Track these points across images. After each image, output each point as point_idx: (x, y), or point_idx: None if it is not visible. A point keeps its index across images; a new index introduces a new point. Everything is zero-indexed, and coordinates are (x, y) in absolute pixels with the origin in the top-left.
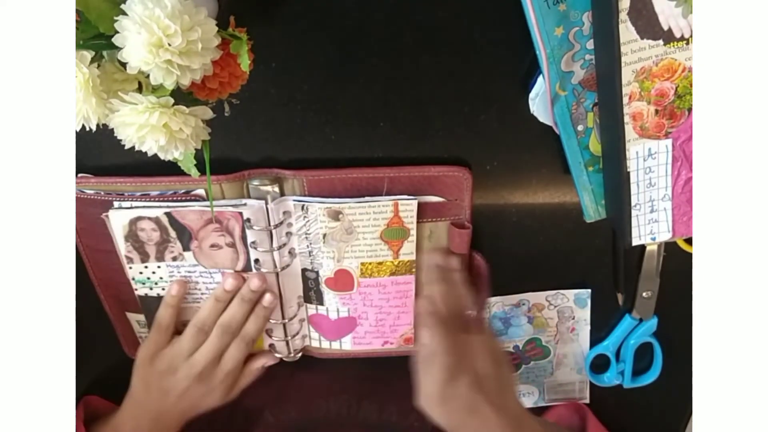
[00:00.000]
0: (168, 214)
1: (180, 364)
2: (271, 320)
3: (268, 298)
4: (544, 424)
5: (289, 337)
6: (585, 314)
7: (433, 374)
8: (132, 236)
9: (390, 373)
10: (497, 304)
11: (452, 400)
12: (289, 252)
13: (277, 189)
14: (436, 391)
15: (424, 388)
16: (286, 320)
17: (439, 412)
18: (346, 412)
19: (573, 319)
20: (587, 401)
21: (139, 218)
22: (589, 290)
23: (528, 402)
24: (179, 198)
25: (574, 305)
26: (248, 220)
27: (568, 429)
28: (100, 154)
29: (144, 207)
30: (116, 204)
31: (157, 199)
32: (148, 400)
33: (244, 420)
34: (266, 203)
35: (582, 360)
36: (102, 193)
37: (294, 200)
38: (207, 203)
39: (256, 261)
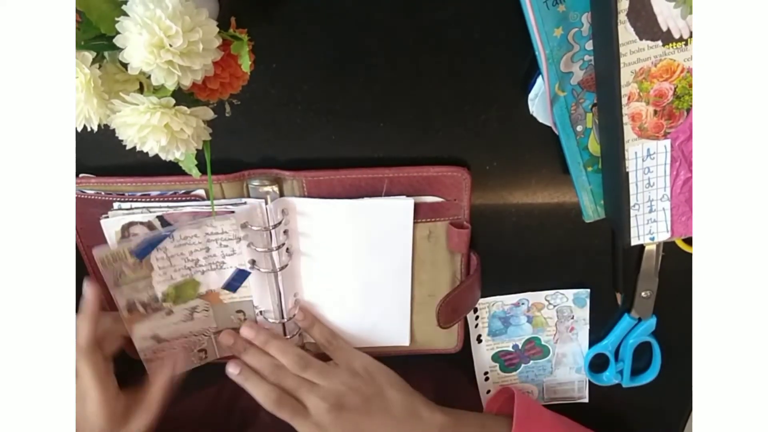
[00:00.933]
0: (160, 218)
1: None
2: (270, 320)
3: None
4: (458, 414)
5: (288, 336)
6: (584, 314)
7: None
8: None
9: None
10: (497, 304)
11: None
12: (287, 251)
13: (276, 189)
14: (297, 424)
15: None
16: (285, 320)
17: None
18: None
19: (572, 318)
20: (586, 400)
21: (132, 223)
22: (588, 290)
23: None
24: (179, 198)
25: (573, 305)
26: (245, 223)
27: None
28: (100, 155)
29: (139, 209)
30: (116, 205)
31: (157, 199)
32: None
33: (239, 420)
34: (265, 203)
35: (581, 359)
36: (102, 193)
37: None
38: (207, 203)
39: (253, 261)
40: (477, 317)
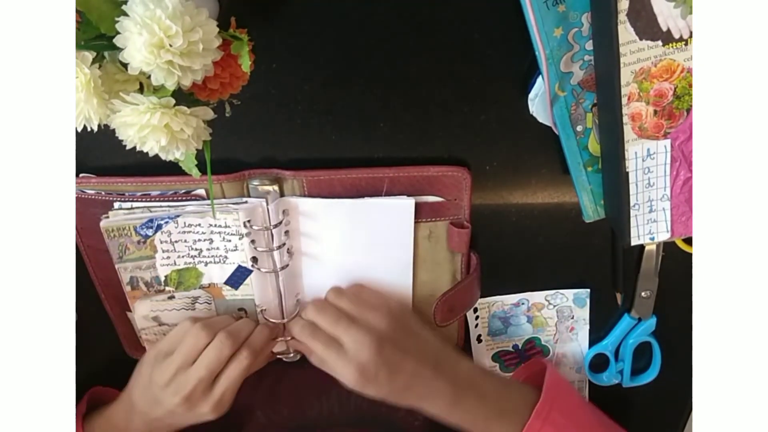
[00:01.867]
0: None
1: (171, 383)
2: (270, 320)
3: (272, 327)
4: (487, 373)
5: (289, 337)
6: (584, 314)
7: (328, 352)
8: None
9: None
10: (497, 304)
11: (365, 370)
12: (288, 251)
13: (276, 189)
14: (341, 366)
15: (337, 371)
16: (286, 320)
17: (364, 387)
18: (338, 408)
19: (572, 318)
20: (586, 400)
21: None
22: (588, 290)
23: None
24: (180, 198)
25: (573, 305)
26: (248, 221)
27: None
28: (101, 154)
29: (139, 209)
30: (116, 205)
31: (157, 199)
32: (141, 403)
33: (235, 420)
34: (266, 203)
35: (581, 359)
36: (103, 193)
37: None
38: (207, 202)
39: (254, 259)
40: (477, 317)
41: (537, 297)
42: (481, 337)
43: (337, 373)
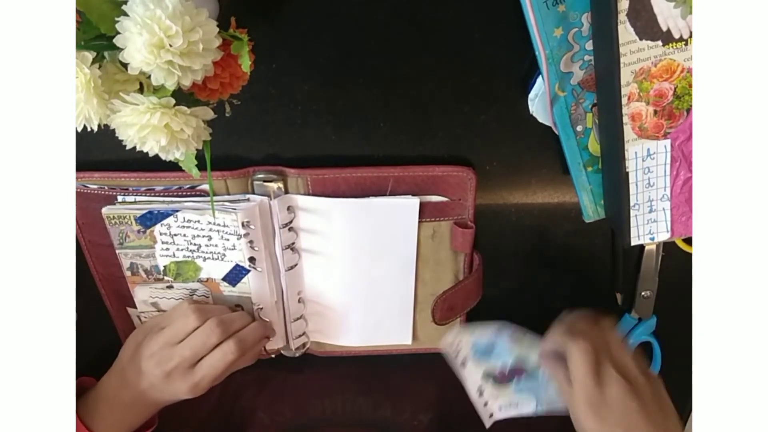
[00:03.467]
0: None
1: (156, 355)
2: (268, 318)
3: (269, 322)
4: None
5: (294, 337)
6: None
7: (579, 377)
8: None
9: (383, 370)
10: (474, 334)
11: (604, 408)
12: (291, 249)
13: (281, 186)
14: (585, 396)
15: (574, 395)
16: (289, 320)
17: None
18: (341, 410)
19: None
20: None
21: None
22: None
23: (527, 410)
24: (184, 193)
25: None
26: (247, 221)
27: None
28: (105, 149)
29: (142, 203)
30: (120, 198)
31: (161, 194)
32: (128, 372)
33: (239, 421)
34: (269, 199)
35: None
36: (106, 188)
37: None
38: (209, 199)
39: (251, 259)
40: (458, 345)
41: (512, 329)
42: (466, 362)
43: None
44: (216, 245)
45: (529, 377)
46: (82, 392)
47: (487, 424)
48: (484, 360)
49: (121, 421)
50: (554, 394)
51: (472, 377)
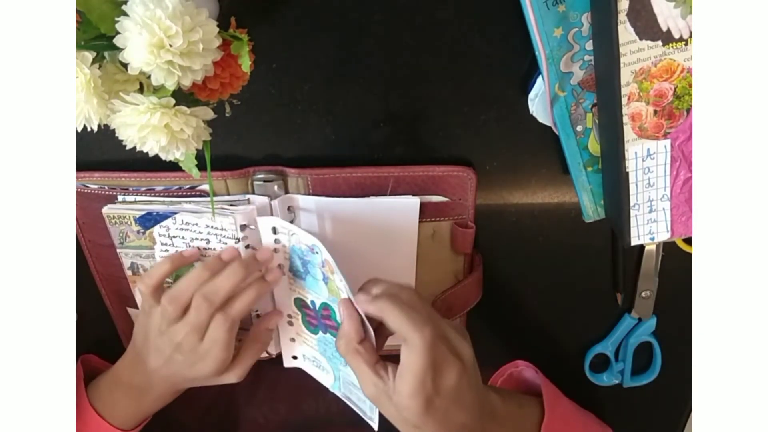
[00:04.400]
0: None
1: (165, 328)
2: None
3: (275, 273)
4: (502, 395)
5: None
6: None
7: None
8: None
9: None
10: (294, 236)
11: (438, 398)
12: (279, 266)
13: (281, 185)
14: (420, 391)
15: (403, 387)
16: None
17: (418, 409)
18: (336, 408)
19: None
20: (374, 424)
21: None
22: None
23: (325, 381)
24: (184, 193)
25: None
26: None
27: (527, 391)
28: (105, 149)
29: (142, 202)
30: (120, 198)
31: (162, 194)
32: (144, 351)
33: (234, 419)
34: (270, 200)
35: None
36: (106, 187)
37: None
38: (207, 200)
39: None
40: (277, 241)
41: (327, 255)
42: (284, 267)
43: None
44: (214, 248)
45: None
46: (89, 374)
47: (287, 363)
48: (297, 279)
49: (136, 408)
50: (355, 382)
51: (283, 293)
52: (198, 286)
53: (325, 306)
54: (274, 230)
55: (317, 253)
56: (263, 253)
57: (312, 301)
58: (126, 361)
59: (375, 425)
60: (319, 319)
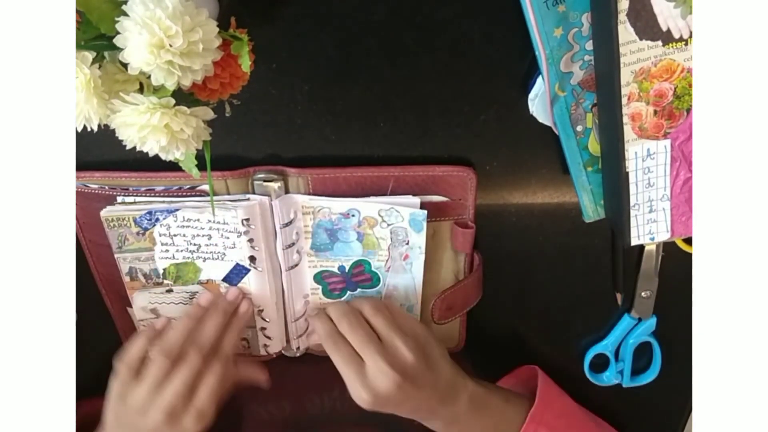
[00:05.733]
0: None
1: (149, 404)
2: (267, 319)
3: (243, 306)
4: (489, 388)
5: (295, 337)
6: (420, 240)
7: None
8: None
9: None
10: (323, 211)
11: (378, 398)
12: (297, 251)
13: (281, 186)
14: (357, 386)
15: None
16: (288, 320)
17: (370, 408)
18: (340, 405)
19: (407, 244)
20: None
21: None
22: (425, 212)
23: None
24: (184, 193)
25: (408, 227)
26: (247, 219)
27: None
28: (105, 149)
29: (142, 203)
30: (120, 199)
31: (162, 194)
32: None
33: (237, 416)
34: (270, 200)
35: (413, 295)
36: (106, 187)
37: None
38: (209, 199)
39: (252, 258)
40: (291, 224)
41: (369, 209)
42: (302, 250)
43: (350, 387)
44: (216, 244)
45: None
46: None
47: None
48: (321, 253)
49: None
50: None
51: (301, 275)
52: (186, 336)
53: (358, 263)
54: (288, 222)
55: (354, 216)
56: (232, 293)
57: (340, 266)
58: None
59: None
60: (348, 279)
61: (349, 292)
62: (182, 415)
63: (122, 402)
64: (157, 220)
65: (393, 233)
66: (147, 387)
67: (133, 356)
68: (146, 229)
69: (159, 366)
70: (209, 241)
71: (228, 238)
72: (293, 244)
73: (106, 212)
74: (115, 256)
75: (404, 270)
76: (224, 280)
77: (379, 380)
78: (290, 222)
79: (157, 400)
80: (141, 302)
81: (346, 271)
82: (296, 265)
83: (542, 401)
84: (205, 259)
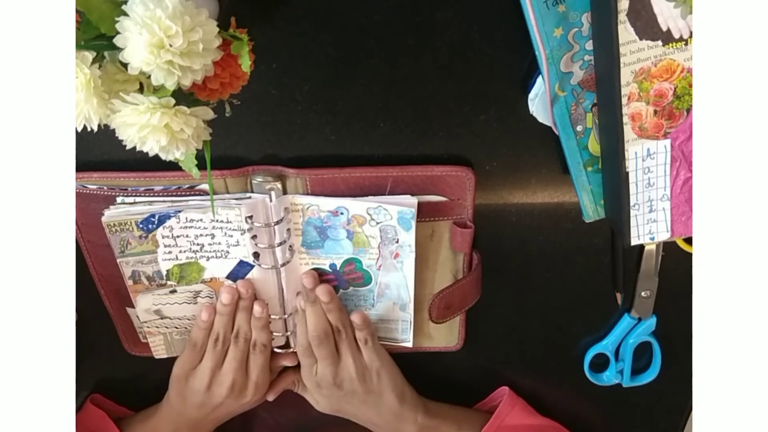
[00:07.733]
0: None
1: (211, 381)
2: (271, 316)
3: (257, 309)
4: (442, 417)
5: (290, 332)
6: (409, 239)
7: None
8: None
9: None
10: (311, 208)
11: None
12: (290, 248)
13: (279, 186)
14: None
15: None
16: (287, 315)
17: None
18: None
19: (396, 242)
20: (409, 344)
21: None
22: (413, 210)
23: None
24: (183, 193)
25: (397, 225)
26: (250, 216)
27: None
28: (104, 149)
29: (142, 203)
30: (119, 199)
31: (161, 194)
32: (186, 411)
33: (241, 421)
34: (269, 199)
35: (405, 293)
36: (105, 188)
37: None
38: (209, 198)
39: (255, 255)
40: (289, 221)
41: (358, 208)
42: (293, 247)
43: (303, 377)
44: (219, 243)
45: None
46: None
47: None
48: (312, 251)
49: None
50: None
51: (293, 273)
52: (228, 327)
53: (349, 261)
54: (279, 220)
55: (342, 213)
56: (242, 284)
57: (331, 264)
58: (164, 418)
59: (410, 344)
60: (340, 277)
61: (341, 290)
62: (243, 389)
63: (186, 381)
64: (161, 222)
65: (382, 231)
66: (206, 368)
67: (196, 343)
68: (149, 232)
69: (211, 351)
70: (212, 240)
71: (231, 236)
72: (284, 241)
73: (107, 218)
74: (117, 260)
75: (395, 268)
76: (228, 277)
77: (324, 381)
78: (281, 219)
79: (219, 378)
80: (144, 304)
81: (338, 268)
82: (288, 262)
83: (491, 426)
84: (208, 258)
